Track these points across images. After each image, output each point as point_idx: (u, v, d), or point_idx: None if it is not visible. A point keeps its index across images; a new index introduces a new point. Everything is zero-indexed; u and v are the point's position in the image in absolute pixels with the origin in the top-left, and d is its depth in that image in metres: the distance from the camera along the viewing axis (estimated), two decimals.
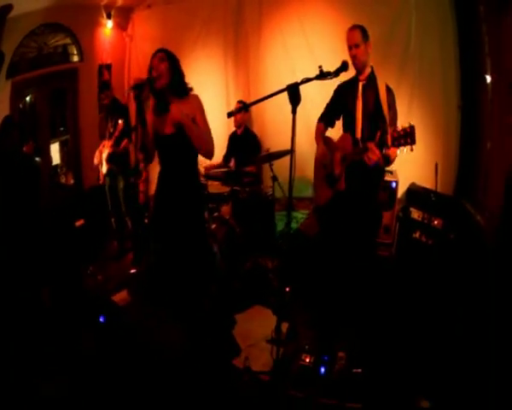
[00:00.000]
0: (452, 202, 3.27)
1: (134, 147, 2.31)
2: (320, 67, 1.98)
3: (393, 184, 3.43)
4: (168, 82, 2.26)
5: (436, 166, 3.12)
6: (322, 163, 2.71)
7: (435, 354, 2.25)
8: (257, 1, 4.29)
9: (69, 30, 4.59)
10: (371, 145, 2.24)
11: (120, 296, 3.27)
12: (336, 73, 2.01)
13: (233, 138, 4.11)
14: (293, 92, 1.87)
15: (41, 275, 3.39)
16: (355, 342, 2.37)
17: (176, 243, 2.36)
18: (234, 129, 4.13)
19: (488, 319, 2.21)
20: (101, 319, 2.68)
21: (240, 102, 4.08)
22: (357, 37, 2.46)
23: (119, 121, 3.72)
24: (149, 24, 5.08)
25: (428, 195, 3.13)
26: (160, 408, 2.09)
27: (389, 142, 2.15)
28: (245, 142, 4.00)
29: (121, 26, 5.20)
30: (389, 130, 2.22)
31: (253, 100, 4.08)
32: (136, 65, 5.22)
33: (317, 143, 2.76)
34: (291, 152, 1.98)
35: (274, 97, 3.87)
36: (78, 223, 4.32)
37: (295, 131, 1.96)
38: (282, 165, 3.46)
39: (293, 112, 1.91)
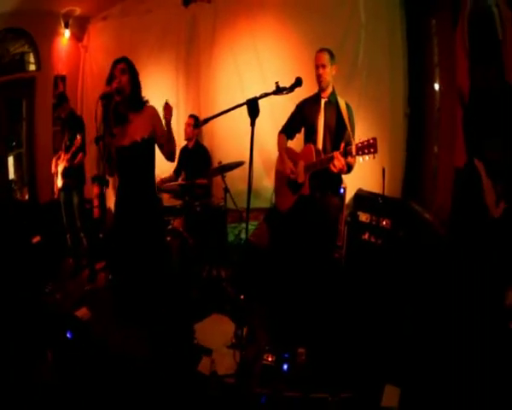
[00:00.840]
0: (399, 203, 3.50)
1: (101, 157, 2.35)
2: (277, 83, 2.13)
3: (341, 190, 3.57)
4: (128, 95, 2.31)
5: (383, 170, 3.34)
6: (283, 172, 2.89)
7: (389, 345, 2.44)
8: (211, 17, 4.38)
9: (30, 36, 4.48)
10: (337, 154, 2.46)
11: (81, 313, 3.23)
12: (291, 89, 2.14)
13: (184, 152, 4.12)
14: (253, 106, 2.01)
15: None
16: (313, 338, 2.51)
17: (136, 254, 2.41)
18: (185, 143, 4.14)
19: (441, 309, 2.43)
20: (68, 335, 2.64)
21: (192, 116, 4.11)
22: (325, 59, 2.71)
23: (78, 136, 3.68)
24: (104, 36, 5.05)
25: (375, 198, 3.31)
26: None
27: (354, 151, 2.39)
28: (196, 155, 4.04)
29: (77, 36, 5.14)
30: (352, 141, 2.49)
31: (203, 115, 4.36)
32: (90, 76, 5.18)
33: (280, 154, 2.96)
34: (250, 164, 2.11)
35: (225, 104, 4.03)
36: (35, 239, 4.20)
37: (253, 143, 2.09)
38: (231, 177, 3.66)
39: (252, 124, 2.05)
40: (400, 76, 3.73)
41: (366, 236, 3.18)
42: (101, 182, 2.49)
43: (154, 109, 2.42)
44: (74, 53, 5.15)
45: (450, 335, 2.24)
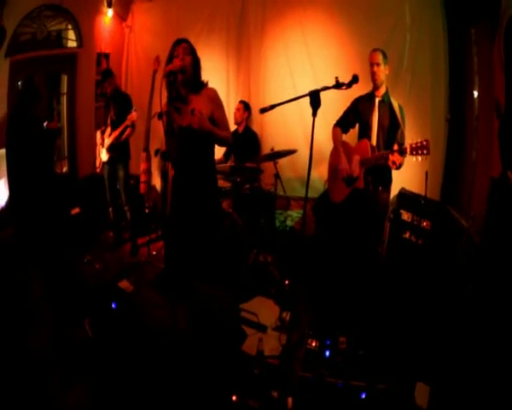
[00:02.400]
0: (439, 206, 3.54)
1: (164, 132, 2.32)
2: (336, 78, 2.21)
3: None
4: (189, 76, 2.32)
5: (426, 173, 3.38)
6: (338, 165, 3.00)
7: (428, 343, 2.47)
8: (261, 6, 4.41)
9: (70, 14, 4.56)
10: (393, 152, 2.61)
11: (123, 284, 3.25)
12: (349, 85, 2.21)
13: (234, 136, 4.10)
14: (315, 98, 2.07)
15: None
16: (354, 328, 2.56)
17: (193, 236, 2.43)
18: (235, 127, 4.21)
19: (470, 314, 2.47)
20: (112, 306, 2.70)
21: (241, 101, 4.22)
22: (379, 58, 2.87)
23: (132, 112, 3.75)
24: (150, 16, 5.11)
25: (418, 199, 3.36)
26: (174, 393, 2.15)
27: (408, 151, 2.52)
28: (246, 140, 4.11)
29: (121, 16, 5.21)
30: (405, 140, 2.64)
31: (253, 101, 4.39)
32: (135, 56, 5.24)
33: (336, 147, 3.06)
34: (311, 153, 2.17)
35: (274, 93, 4.06)
36: (74, 211, 4.30)
37: (313, 133, 2.12)
38: (280, 164, 3.73)
39: (314, 115, 2.09)
40: (442, 81, 3.77)
41: (407, 234, 3.23)
42: (166, 157, 2.55)
43: (213, 92, 2.43)
44: (118, 32, 5.24)
45: (480, 339, 2.28)
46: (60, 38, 4.72)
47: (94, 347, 2.45)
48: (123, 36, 5.29)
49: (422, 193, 3.34)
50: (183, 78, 2.30)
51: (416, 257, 3.13)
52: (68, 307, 2.82)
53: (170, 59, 2.33)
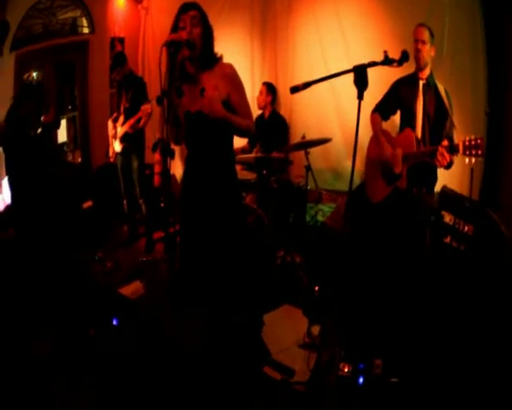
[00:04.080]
0: (480, 209, 3.22)
1: (164, 120, 1.80)
2: (385, 52, 1.84)
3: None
4: (199, 51, 1.84)
5: (472, 171, 3.03)
6: (378, 157, 2.63)
7: (471, 366, 2.19)
8: None
9: (80, 0, 4.34)
10: (442, 149, 2.23)
11: (132, 288, 3.08)
12: (400, 62, 1.86)
13: (259, 121, 3.82)
14: (361, 75, 1.67)
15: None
16: (391, 349, 2.28)
17: (208, 238, 2.03)
18: (260, 112, 3.87)
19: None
20: (114, 322, 2.46)
21: (265, 83, 3.86)
22: (425, 34, 2.49)
23: (148, 103, 3.46)
24: None
25: (462, 200, 3.03)
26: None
27: (461, 150, 2.16)
28: (273, 126, 3.75)
29: None
30: (454, 133, 2.30)
31: (280, 82, 4.07)
32: (152, 39, 4.96)
33: (377, 136, 2.67)
34: (356, 142, 1.81)
35: (306, 75, 3.69)
36: (86, 204, 4.13)
37: (359, 119, 1.79)
38: (311, 154, 3.36)
39: (360, 97, 1.72)
40: (481, 71, 3.44)
41: (448, 239, 2.90)
42: (165, 151, 1.95)
43: (230, 68, 1.93)
44: (133, 15, 5.00)
45: None
46: (70, 27, 4.52)
47: (99, 351, 2.29)
48: (138, 18, 5.03)
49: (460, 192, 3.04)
50: (191, 54, 1.83)
51: (458, 264, 2.82)
52: (74, 309, 2.67)
53: (174, 28, 1.84)
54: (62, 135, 4.72)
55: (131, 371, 2.15)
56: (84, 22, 4.55)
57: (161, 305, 2.79)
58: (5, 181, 3.67)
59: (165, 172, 2.13)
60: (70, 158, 4.77)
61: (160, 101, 1.79)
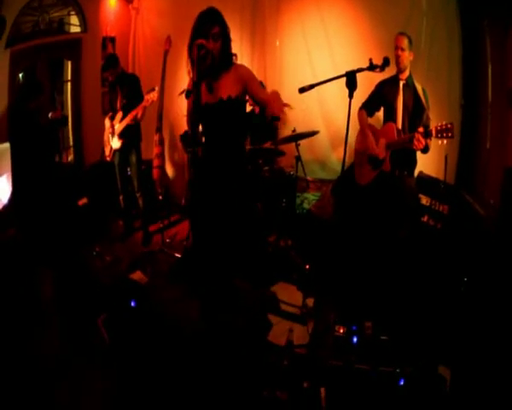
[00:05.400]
0: (455, 190, 3.51)
1: (190, 114, 2.12)
2: (370, 59, 2.19)
3: None
4: (216, 61, 2.10)
5: (446, 157, 3.34)
6: (364, 148, 3.01)
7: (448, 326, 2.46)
8: None
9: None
10: (418, 135, 2.60)
11: (136, 276, 3.18)
12: (382, 68, 2.20)
13: (251, 117, 3.99)
14: (351, 79, 2.03)
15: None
16: (378, 312, 2.53)
17: (219, 231, 2.26)
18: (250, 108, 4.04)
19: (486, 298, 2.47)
20: (132, 304, 2.59)
21: None
22: (405, 42, 2.87)
23: (152, 94, 3.57)
24: None
25: (437, 183, 3.33)
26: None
27: (434, 133, 2.54)
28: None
29: None
30: (430, 123, 2.67)
31: (268, 84, 4.29)
32: (143, 38, 5.09)
33: (364, 129, 3.08)
34: (346, 136, 2.11)
35: (293, 76, 3.97)
36: (81, 202, 4.18)
37: (350, 116, 2.09)
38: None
39: (350, 96, 2.05)
40: (456, 68, 3.79)
41: (425, 218, 3.21)
42: (194, 144, 2.29)
43: (244, 68, 2.22)
44: (124, 14, 5.08)
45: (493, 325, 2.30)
46: (63, 25, 4.58)
47: (107, 349, 2.34)
48: (129, 18, 5.13)
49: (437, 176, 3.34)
50: (210, 62, 2.07)
51: (434, 241, 3.11)
52: (80, 305, 2.72)
53: (196, 34, 2.06)
54: None
55: (141, 363, 2.21)
56: (76, 21, 4.63)
57: (164, 291, 2.97)
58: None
59: (196, 160, 2.40)
60: (62, 157, 4.80)
61: (188, 94, 2.07)
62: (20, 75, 3.99)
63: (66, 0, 4.37)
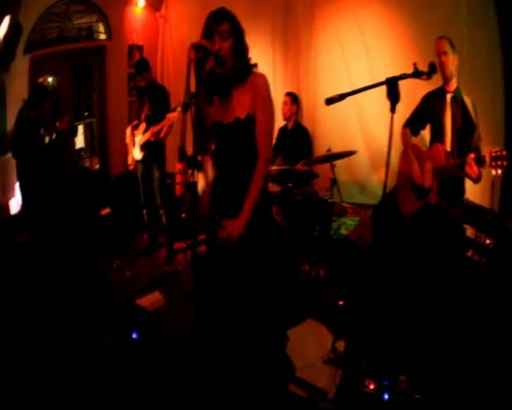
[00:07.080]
0: (500, 221, 3.19)
1: (193, 129, 1.75)
2: (415, 64, 1.92)
3: None
4: (230, 65, 1.76)
5: (493, 183, 3.03)
6: (408, 172, 2.66)
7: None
8: None
9: (96, 6, 4.37)
10: (470, 160, 2.23)
11: (152, 298, 3.05)
12: (429, 74, 1.94)
13: (282, 133, 3.80)
14: (393, 87, 1.74)
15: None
16: (416, 365, 2.27)
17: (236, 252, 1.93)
18: (283, 123, 3.83)
19: None
20: (133, 336, 2.45)
21: (289, 93, 3.80)
22: (446, 45, 2.52)
23: (174, 112, 3.44)
24: (186, 5, 4.83)
25: (484, 213, 3.02)
26: None
27: (488, 161, 2.15)
28: (295, 137, 3.71)
29: (154, 5, 4.97)
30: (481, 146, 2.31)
31: (303, 94, 4.07)
32: (171, 48, 4.99)
33: (407, 151, 2.71)
34: (388, 155, 1.86)
35: (329, 91, 3.74)
36: (104, 211, 4.14)
37: (392, 133, 1.82)
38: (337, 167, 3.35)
39: (392, 110, 1.77)
40: (499, 83, 3.45)
41: (470, 253, 2.89)
42: (193, 164, 1.84)
43: (260, 79, 1.81)
44: (152, 23, 5.01)
45: None
46: (92, 32, 4.54)
47: (115, 364, 2.27)
48: (157, 27, 5.05)
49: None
50: (221, 71, 1.75)
51: (480, 278, 2.79)
52: (91, 319, 2.65)
53: (208, 35, 1.76)
54: (80, 141, 4.78)
55: (147, 382, 2.13)
56: (101, 28, 4.58)
57: (181, 316, 2.80)
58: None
59: (192, 185, 1.99)
60: (87, 164, 4.81)
61: (185, 108, 1.70)
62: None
63: (90, 7, 4.32)
